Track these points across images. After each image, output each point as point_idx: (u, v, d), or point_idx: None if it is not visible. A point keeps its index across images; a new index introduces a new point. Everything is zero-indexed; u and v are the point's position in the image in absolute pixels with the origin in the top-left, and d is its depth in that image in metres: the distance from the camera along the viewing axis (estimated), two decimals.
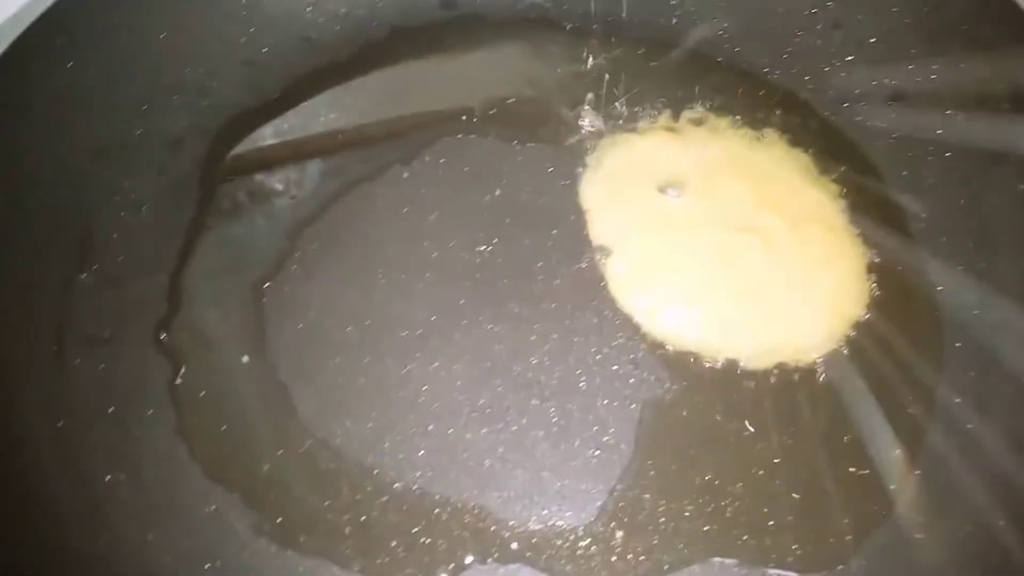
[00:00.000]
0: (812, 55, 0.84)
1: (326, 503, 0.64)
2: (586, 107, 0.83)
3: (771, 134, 0.81)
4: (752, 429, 0.67)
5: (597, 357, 0.70)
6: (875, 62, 0.83)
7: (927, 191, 0.78)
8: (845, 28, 0.83)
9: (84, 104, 0.76)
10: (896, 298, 0.73)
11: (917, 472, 0.65)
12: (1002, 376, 0.68)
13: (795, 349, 0.70)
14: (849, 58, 0.84)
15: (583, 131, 0.81)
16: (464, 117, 0.83)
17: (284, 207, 0.78)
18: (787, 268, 0.74)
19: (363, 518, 0.64)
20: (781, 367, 0.70)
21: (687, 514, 0.64)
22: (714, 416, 0.68)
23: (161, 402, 0.68)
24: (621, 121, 0.82)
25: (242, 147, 0.82)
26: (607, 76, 0.84)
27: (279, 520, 0.64)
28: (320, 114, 0.85)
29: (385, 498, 0.64)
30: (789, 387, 0.69)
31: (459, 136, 0.82)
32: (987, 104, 0.76)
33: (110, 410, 0.68)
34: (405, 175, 0.80)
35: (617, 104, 0.83)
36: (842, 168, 0.79)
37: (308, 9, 0.87)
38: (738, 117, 0.82)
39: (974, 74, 0.77)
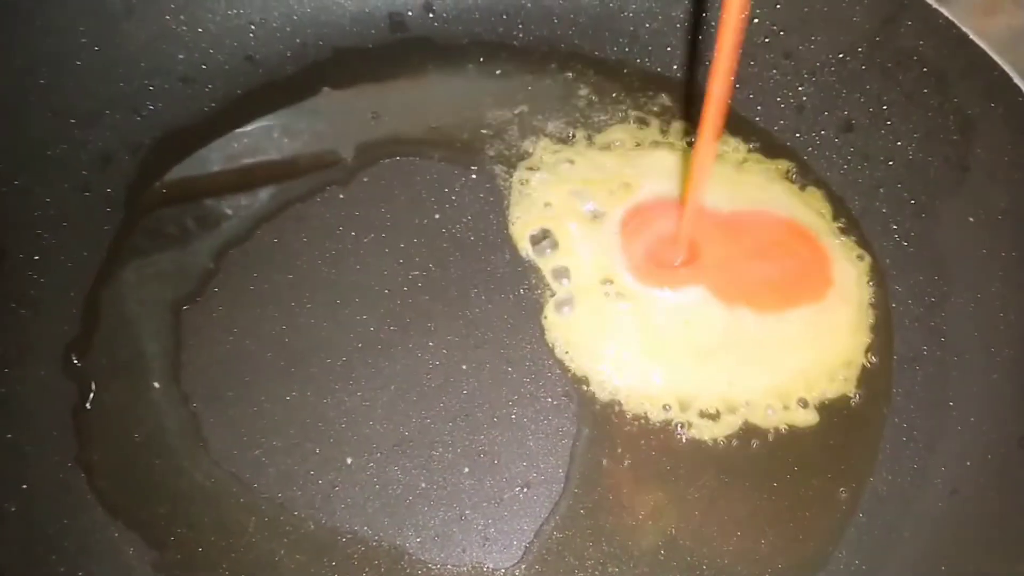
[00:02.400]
0: (763, 84, 0.82)
1: (230, 541, 0.60)
2: (533, 134, 0.80)
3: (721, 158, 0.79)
4: (689, 468, 0.63)
5: (531, 389, 0.67)
6: (826, 93, 0.81)
7: (879, 223, 0.75)
8: (796, 58, 0.81)
9: (2, 112, 0.72)
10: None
11: (860, 515, 0.62)
12: (950, 414, 0.65)
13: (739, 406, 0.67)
14: (800, 87, 0.82)
15: (529, 157, 0.78)
16: (406, 140, 0.80)
17: (211, 227, 0.75)
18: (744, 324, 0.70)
19: (269, 558, 0.59)
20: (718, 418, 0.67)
21: (616, 556, 0.60)
22: (650, 453, 0.64)
23: (63, 429, 0.64)
24: (571, 145, 0.79)
25: (174, 170, 0.79)
26: (557, 100, 0.82)
27: (179, 558, 0.60)
28: (259, 136, 0.82)
29: (294, 537, 0.60)
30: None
31: (399, 159, 0.79)
32: (938, 134, 0.74)
33: (6, 435, 0.63)
34: (341, 196, 0.77)
35: (566, 128, 0.80)
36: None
37: (251, 27, 0.85)
38: (689, 140, 0.80)
39: (925, 104, 0.75)
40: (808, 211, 0.77)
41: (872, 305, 0.72)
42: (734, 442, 0.65)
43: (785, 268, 0.73)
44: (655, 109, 0.82)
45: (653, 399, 0.66)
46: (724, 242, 0.74)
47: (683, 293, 0.70)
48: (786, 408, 0.66)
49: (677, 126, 0.81)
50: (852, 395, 0.67)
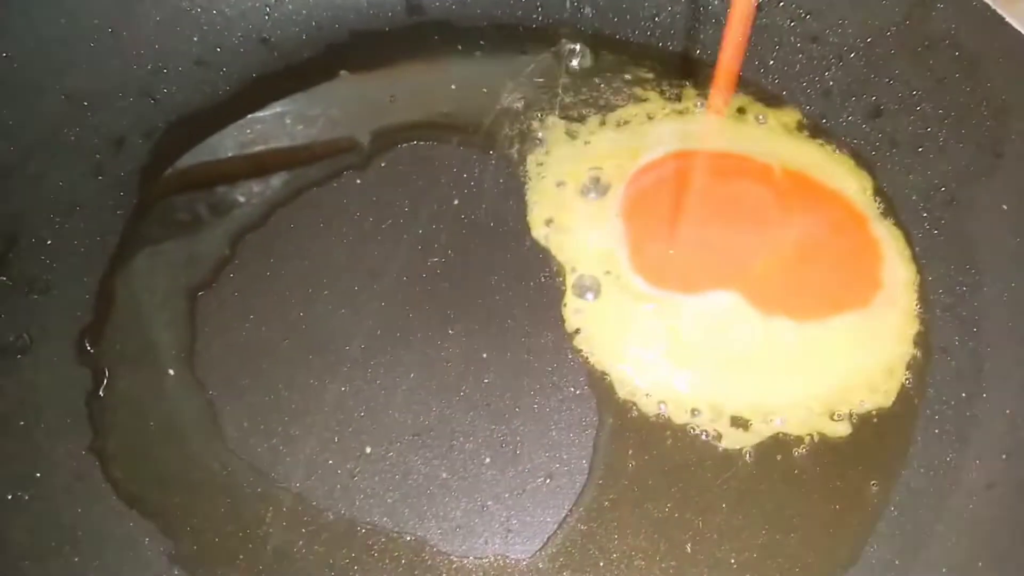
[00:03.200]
0: (788, 69, 0.81)
1: (247, 531, 0.59)
2: (551, 116, 0.78)
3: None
4: (716, 459, 0.62)
5: (553, 378, 0.65)
6: (855, 77, 0.79)
7: (908, 211, 0.73)
8: (823, 42, 0.79)
9: (14, 95, 0.71)
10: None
11: (892, 510, 0.60)
12: (984, 406, 0.63)
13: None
14: (827, 73, 0.80)
15: (546, 139, 0.77)
16: (423, 124, 0.78)
17: (226, 212, 0.73)
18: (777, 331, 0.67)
19: (287, 549, 0.58)
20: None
21: (642, 549, 0.59)
22: (676, 444, 0.62)
23: (77, 416, 0.63)
24: (586, 124, 0.78)
25: (188, 155, 0.77)
26: (578, 83, 0.80)
27: (195, 548, 0.58)
28: (274, 120, 0.80)
29: (313, 527, 0.59)
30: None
31: (416, 143, 0.77)
32: (970, 120, 0.72)
33: (20, 423, 0.62)
34: (358, 181, 0.75)
35: (584, 109, 0.78)
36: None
37: (267, 9, 0.83)
38: (701, 104, 0.78)
39: (957, 89, 0.73)
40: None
41: (918, 313, 0.69)
42: (764, 449, 0.63)
43: (832, 269, 0.70)
44: (673, 87, 0.80)
45: (677, 403, 0.64)
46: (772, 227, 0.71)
47: (712, 298, 0.67)
48: (820, 417, 0.64)
49: (690, 92, 0.79)
50: (890, 405, 0.64)
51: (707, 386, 0.65)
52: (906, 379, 0.66)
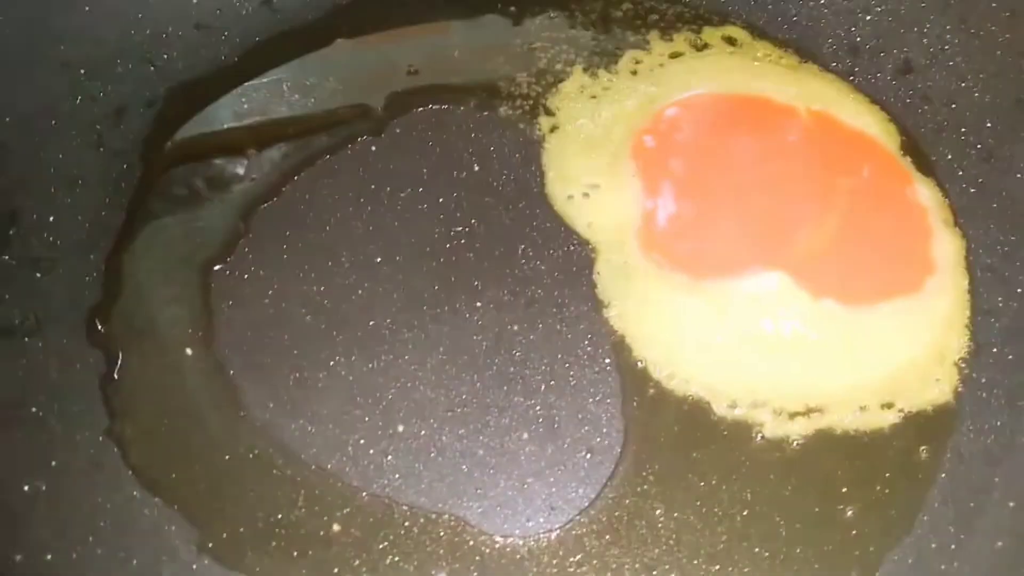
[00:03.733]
0: (813, 24, 0.78)
1: (279, 516, 0.56)
2: (569, 73, 0.75)
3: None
4: (763, 437, 0.60)
5: (588, 349, 0.63)
6: (883, 31, 0.76)
7: (942, 171, 0.71)
8: None
9: (8, 65, 0.67)
10: None
11: (943, 476, 0.59)
12: None
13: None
14: (853, 28, 0.77)
15: (566, 99, 0.73)
16: (437, 88, 0.75)
17: (238, 183, 0.70)
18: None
19: (321, 533, 0.56)
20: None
21: (690, 523, 0.57)
22: (719, 414, 0.60)
23: (91, 400, 0.60)
24: (598, 79, 0.74)
25: (192, 123, 0.73)
26: (595, 42, 0.77)
27: (224, 536, 0.56)
28: (281, 86, 0.76)
29: (347, 509, 0.57)
30: None
31: (433, 107, 0.74)
32: (1008, 74, 0.70)
33: (32, 409, 0.59)
34: (374, 148, 0.72)
35: (602, 64, 0.75)
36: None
37: None
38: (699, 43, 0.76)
39: (993, 41, 0.71)
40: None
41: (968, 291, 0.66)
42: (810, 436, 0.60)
43: (880, 245, 0.66)
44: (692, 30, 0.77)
45: (716, 393, 0.61)
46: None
47: (759, 279, 0.64)
48: (867, 410, 0.61)
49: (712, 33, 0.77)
50: (945, 400, 0.62)
51: (748, 374, 0.62)
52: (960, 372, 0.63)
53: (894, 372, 0.62)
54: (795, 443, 0.59)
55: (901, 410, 0.61)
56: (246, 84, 0.76)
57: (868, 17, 0.77)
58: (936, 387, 0.62)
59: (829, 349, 0.62)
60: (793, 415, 0.60)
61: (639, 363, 0.62)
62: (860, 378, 0.61)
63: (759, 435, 0.59)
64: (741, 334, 0.63)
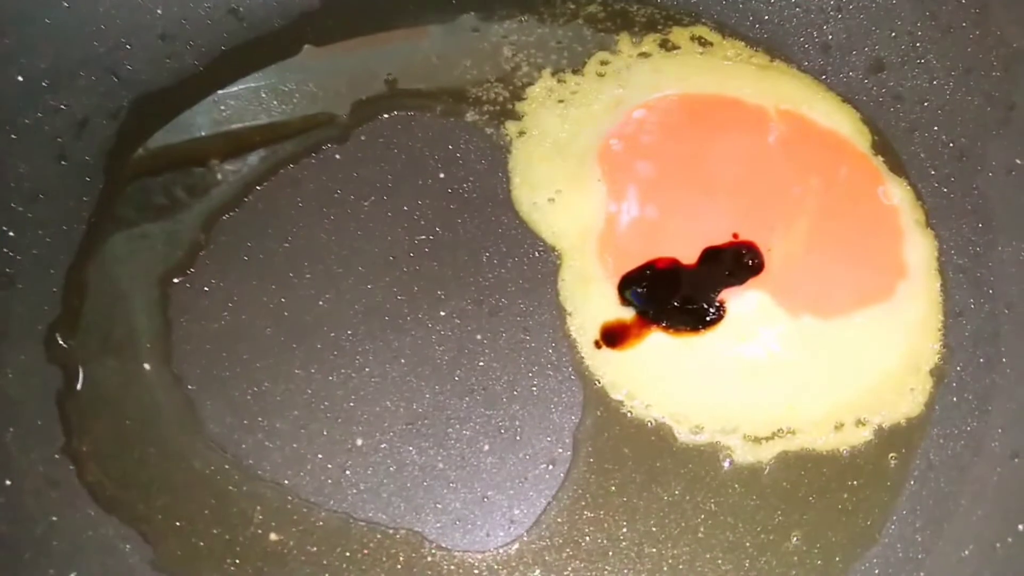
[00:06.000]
0: (784, 23, 0.77)
1: (235, 533, 0.56)
2: (535, 77, 0.74)
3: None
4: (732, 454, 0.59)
5: (552, 358, 0.62)
6: (854, 30, 0.75)
7: (915, 170, 0.70)
8: None
9: None
10: None
11: (912, 484, 0.58)
12: (1004, 371, 0.60)
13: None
14: (825, 26, 0.76)
15: (532, 104, 0.72)
16: (402, 94, 0.74)
17: (199, 194, 0.69)
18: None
19: (278, 549, 0.55)
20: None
21: (652, 535, 0.56)
22: (681, 440, 0.59)
23: (47, 417, 0.60)
24: (566, 84, 0.73)
25: (156, 135, 0.73)
26: (562, 45, 0.76)
27: (180, 554, 0.55)
28: (246, 96, 0.75)
29: (304, 526, 0.56)
30: None
31: (399, 113, 0.73)
32: (979, 71, 0.69)
33: None
34: (338, 157, 0.71)
35: (564, 66, 0.74)
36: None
37: None
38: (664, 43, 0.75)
39: (963, 38, 0.70)
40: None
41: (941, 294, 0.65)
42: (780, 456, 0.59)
43: (857, 250, 0.65)
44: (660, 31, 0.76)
45: (680, 417, 0.60)
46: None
47: (736, 301, 0.62)
48: (842, 429, 0.60)
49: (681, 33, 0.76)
50: (920, 413, 0.60)
51: (720, 399, 0.60)
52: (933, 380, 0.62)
53: (870, 385, 0.61)
54: (766, 467, 0.58)
55: (878, 426, 0.60)
56: (213, 94, 0.75)
57: (839, 16, 0.76)
58: (911, 397, 0.61)
59: (806, 368, 0.61)
60: (765, 439, 0.59)
61: (597, 382, 0.61)
62: (836, 396, 0.60)
63: (727, 460, 0.58)
64: (712, 358, 0.61)
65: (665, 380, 0.60)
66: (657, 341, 0.61)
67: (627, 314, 0.62)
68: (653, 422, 0.59)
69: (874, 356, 0.62)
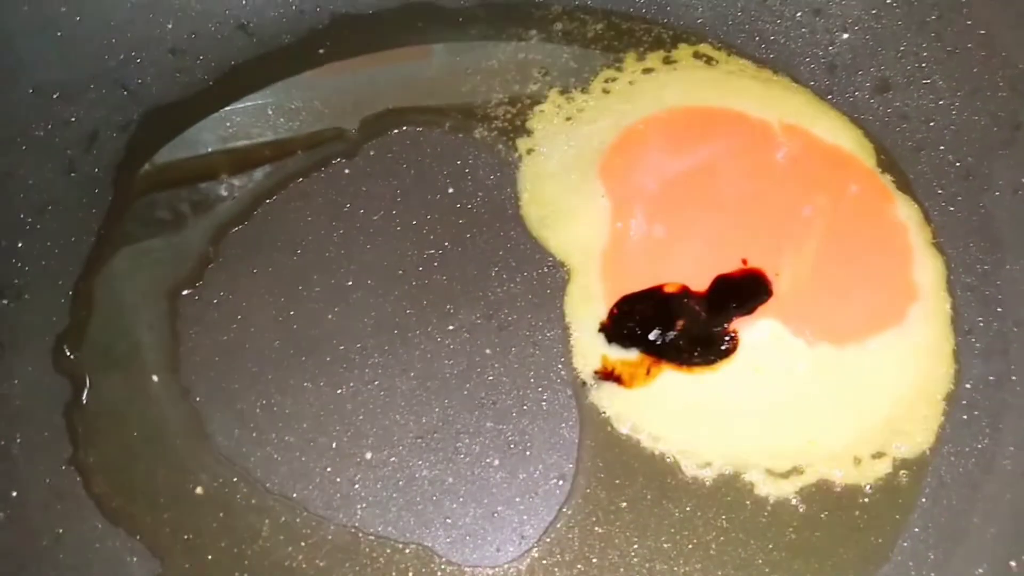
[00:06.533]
0: (790, 44, 0.77)
1: (242, 546, 0.55)
2: (544, 95, 0.74)
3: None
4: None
5: (562, 373, 0.62)
6: (860, 50, 0.75)
7: (921, 189, 0.70)
8: (826, 14, 0.76)
9: None
10: None
11: (923, 501, 0.57)
12: (1014, 388, 0.60)
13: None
14: (831, 47, 0.76)
15: (541, 120, 0.73)
16: (412, 110, 0.74)
17: (207, 208, 0.69)
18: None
19: (286, 563, 0.55)
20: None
21: (663, 551, 0.55)
22: (688, 474, 0.59)
23: (55, 428, 0.59)
24: (574, 101, 0.74)
25: (165, 149, 0.73)
26: (570, 63, 0.76)
27: (187, 567, 0.55)
28: (255, 110, 0.76)
29: (313, 540, 0.55)
30: None
31: (407, 128, 0.73)
32: (985, 91, 0.69)
33: None
34: (347, 171, 0.71)
35: (573, 83, 0.75)
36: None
37: None
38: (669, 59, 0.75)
39: (969, 59, 0.70)
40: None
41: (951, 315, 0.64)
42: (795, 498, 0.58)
43: (868, 272, 0.64)
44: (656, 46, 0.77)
45: (691, 457, 0.59)
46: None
47: (748, 330, 0.61)
48: (860, 463, 0.58)
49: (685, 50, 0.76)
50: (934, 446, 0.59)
51: (734, 436, 0.59)
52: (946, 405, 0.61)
53: (887, 415, 0.60)
54: (793, 501, 0.57)
55: (895, 459, 0.59)
56: (222, 109, 0.76)
57: (845, 36, 0.76)
58: (924, 425, 0.60)
59: (823, 401, 0.60)
60: (781, 476, 0.58)
61: (601, 413, 0.60)
62: (854, 429, 0.59)
63: (747, 500, 0.58)
64: (724, 393, 0.60)
65: (674, 416, 0.59)
66: (665, 375, 0.61)
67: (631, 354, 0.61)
68: (661, 455, 0.59)
69: (890, 384, 0.61)
